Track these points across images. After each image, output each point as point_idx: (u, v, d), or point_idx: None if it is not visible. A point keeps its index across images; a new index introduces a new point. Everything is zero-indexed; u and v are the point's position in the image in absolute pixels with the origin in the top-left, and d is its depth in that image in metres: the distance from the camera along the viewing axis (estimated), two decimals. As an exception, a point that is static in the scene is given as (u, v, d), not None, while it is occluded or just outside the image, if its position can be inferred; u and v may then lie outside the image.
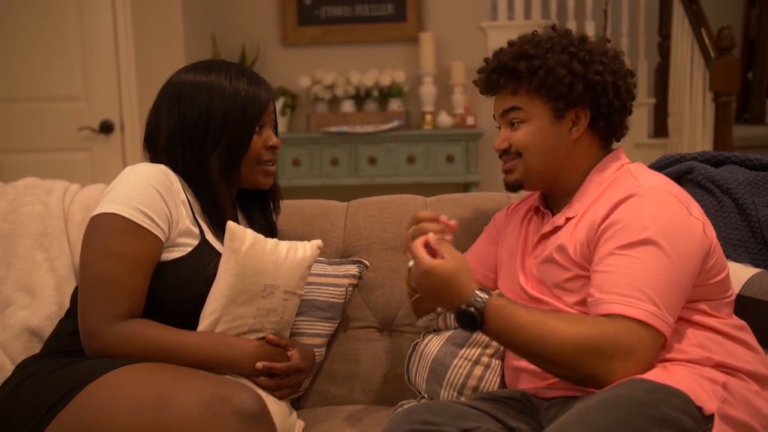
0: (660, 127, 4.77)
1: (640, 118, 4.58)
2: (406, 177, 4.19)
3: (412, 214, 1.51)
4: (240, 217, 1.72)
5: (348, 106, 4.36)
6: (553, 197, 1.59)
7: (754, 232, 1.79)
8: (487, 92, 1.60)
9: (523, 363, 1.49)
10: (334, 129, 4.16)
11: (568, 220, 1.51)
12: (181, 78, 1.62)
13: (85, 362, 1.44)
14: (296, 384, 1.60)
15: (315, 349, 1.76)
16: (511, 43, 1.57)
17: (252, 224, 1.72)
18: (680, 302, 1.37)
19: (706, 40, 3.93)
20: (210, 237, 1.58)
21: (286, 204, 1.85)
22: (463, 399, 1.60)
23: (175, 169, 1.58)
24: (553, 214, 1.57)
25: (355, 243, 1.95)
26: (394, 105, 4.33)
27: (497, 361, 1.64)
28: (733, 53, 3.69)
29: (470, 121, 4.23)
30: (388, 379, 1.86)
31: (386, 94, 4.33)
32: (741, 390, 1.35)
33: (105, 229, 1.49)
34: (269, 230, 1.75)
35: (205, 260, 1.54)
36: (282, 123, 4.17)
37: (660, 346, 1.35)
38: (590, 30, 4.55)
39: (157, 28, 3.78)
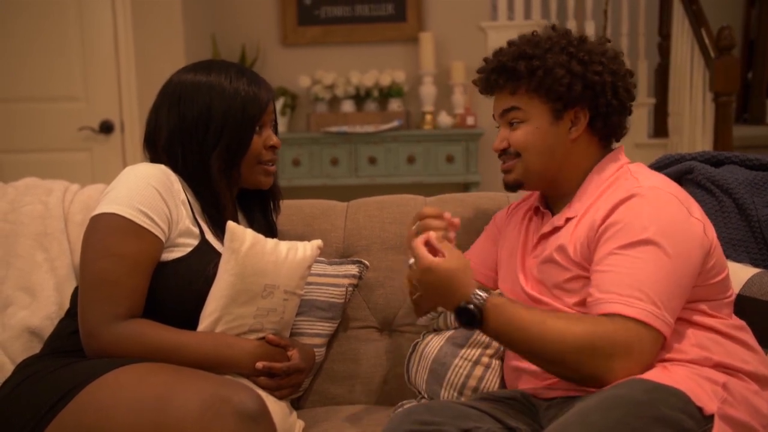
0: (660, 127, 4.77)
1: (640, 118, 4.58)
2: (406, 177, 4.19)
3: (414, 213, 1.52)
4: (240, 217, 1.72)
5: (348, 106, 4.36)
6: (553, 197, 1.60)
7: (754, 232, 1.79)
8: (487, 92, 1.60)
9: (524, 363, 1.49)
10: (334, 129, 4.16)
11: (568, 220, 1.51)
12: (181, 78, 1.62)
13: (85, 362, 1.44)
14: (296, 384, 1.60)
15: (315, 349, 1.76)
16: (510, 43, 1.57)
17: (252, 224, 1.72)
18: (680, 302, 1.37)
19: (706, 40, 3.93)
20: (210, 237, 1.58)
21: (286, 204, 1.85)
22: (463, 399, 1.60)
23: (175, 169, 1.58)
24: (553, 214, 1.57)
25: (355, 243, 1.95)
26: (394, 105, 4.33)
27: (497, 362, 1.65)
28: (733, 53, 3.69)
29: (470, 121, 4.23)
30: (388, 379, 1.86)
31: (386, 94, 4.32)
32: (741, 390, 1.35)
33: (105, 229, 1.49)
34: (269, 230, 1.75)
35: (205, 260, 1.54)
36: (282, 123, 4.17)
37: (659, 346, 1.35)
38: (590, 30, 4.55)
39: (157, 28, 3.78)
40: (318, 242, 1.66)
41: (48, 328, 1.69)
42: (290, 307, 1.61)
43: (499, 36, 4.16)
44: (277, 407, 1.51)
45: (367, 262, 1.89)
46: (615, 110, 1.52)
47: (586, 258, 1.44)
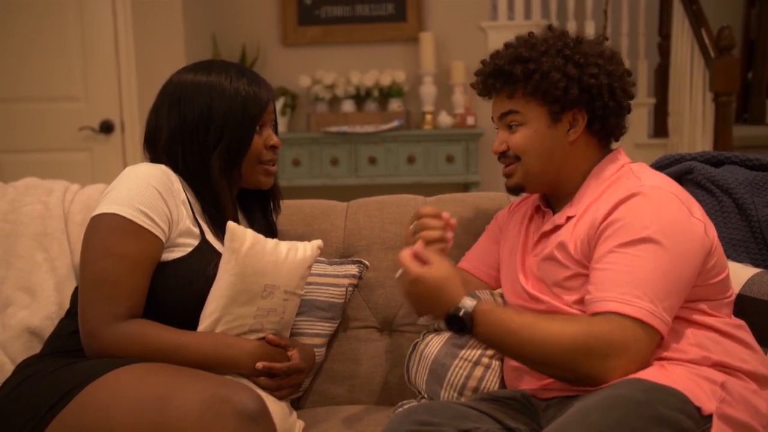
0: (660, 127, 4.77)
1: (640, 118, 4.57)
2: (406, 177, 4.19)
3: (413, 212, 1.52)
4: (240, 217, 1.72)
5: (348, 106, 4.36)
6: (554, 197, 1.60)
7: (754, 232, 1.79)
8: (485, 95, 1.60)
9: (523, 364, 1.49)
10: (334, 129, 4.16)
11: (568, 218, 1.51)
12: (181, 78, 1.62)
13: (85, 362, 1.44)
14: (296, 384, 1.60)
15: (315, 349, 1.76)
16: (507, 45, 1.57)
17: (252, 224, 1.72)
18: (678, 301, 1.37)
19: (706, 40, 3.93)
20: (210, 237, 1.58)
21: (286, 204, 1.85)
22: (463, 400, 1.60)
23: (176, 169, 1.58)
24: (554, 213, 1.57)
25: (355, 243, 1.95)
26: (394, 105, 4.33)
27: (497, 362, 1.64)
28: (733, 53, 3.69)
29: (470, 121, 4.23)
30: (388, 379, 1.86)
31: (386, 94, 4.33)
32: (740, 389, 1.35)
33: (105, 229, 1.49)
34: (269, 230, 1.75)
35: (205, 260, 1.54)
36: (282, 123, 4.17)
37: (656, 344, 1.35)
38: (590, 30, 4.55)
39: (157, 28, 3.78)
40: (318, 242, 1.66)
41: (48, 328, 1.69)
42: (290, 307, 1.61)
43: (499, 36, 4.16)
44: (277, 407, 1.51)
45: (367, 262, 1.89)
46: (612, 112, 1.52)
47: (586, 256, 1.44)
